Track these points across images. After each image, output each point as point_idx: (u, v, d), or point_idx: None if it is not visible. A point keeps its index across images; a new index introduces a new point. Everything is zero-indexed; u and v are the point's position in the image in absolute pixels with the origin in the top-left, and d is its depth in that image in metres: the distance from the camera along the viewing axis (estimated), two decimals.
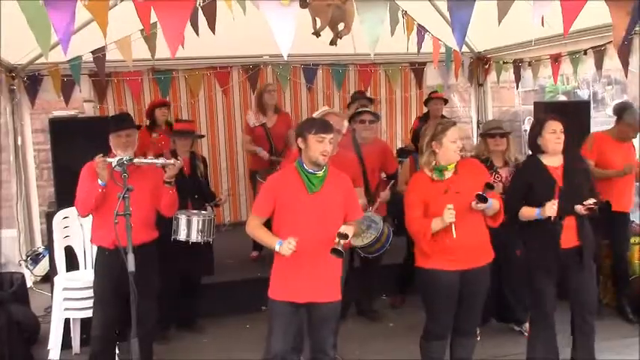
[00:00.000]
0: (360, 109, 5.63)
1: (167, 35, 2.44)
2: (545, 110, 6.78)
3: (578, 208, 3.98)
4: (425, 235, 3.79)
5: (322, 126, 3.67)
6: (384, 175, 5.63)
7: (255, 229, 3.72)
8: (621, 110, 5.53)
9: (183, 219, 4.93)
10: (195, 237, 4.97)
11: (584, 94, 13.64)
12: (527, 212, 4.09)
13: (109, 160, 3.92)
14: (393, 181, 5.37)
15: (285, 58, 2.62)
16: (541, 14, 2.84)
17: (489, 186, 3.77)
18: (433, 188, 3.88)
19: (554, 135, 4.09)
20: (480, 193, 3.73)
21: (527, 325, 4.99)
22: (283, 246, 3.50)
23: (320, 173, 3.65)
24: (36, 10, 2.61)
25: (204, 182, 5.69)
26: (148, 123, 6.89)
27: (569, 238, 4.06)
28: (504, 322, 5.35)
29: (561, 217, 4.01)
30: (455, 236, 3.75)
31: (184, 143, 5.42)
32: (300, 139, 3.64)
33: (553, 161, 4.15)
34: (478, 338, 5.05)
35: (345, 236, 3.48)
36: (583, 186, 4.12)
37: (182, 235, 4.94)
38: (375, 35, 2.64)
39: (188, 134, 5.52)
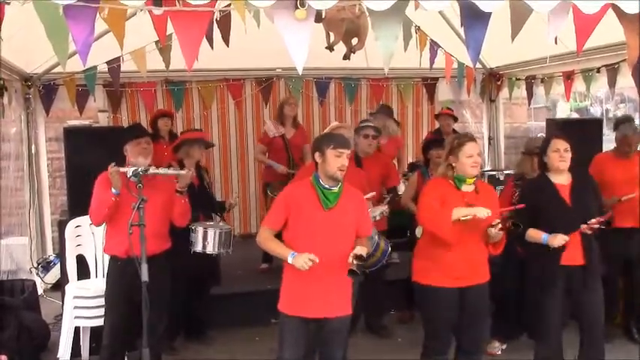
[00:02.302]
0: (362, 124, 5.65)
1: (184, 48, 2.47)
2: (557, 127, 6.78)
3: (584, 227, 3.97)
4: (445, 222, 3.75)
5: (341, 141, 3.70)
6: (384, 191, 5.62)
7: (267, 241, 3.71)
8: (617, 123, 5.47)
9: (200, 231, 4.91)
10: (211, 249, 4.96)
11: (596, 111, 13.63)
12: (535, 235, 4.06)
13: (123, 169, 3.95)
14: (392, 195, 5.35)
15: (300, 73, 2.64)
16: (556, 32, 2.84)
17: (516, 226, 3.87)
18: (455, 194, 3.89)
19: (557, 154, 4.08)
20: (516, 222, 3.81)
21: None
22: (298, 259, 3.47)
23: (336, 189, 3.65)
24: (54, 20, 2.64)
25: (211, 192, 5.70)
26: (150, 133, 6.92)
27: (573, 255, 4.03)
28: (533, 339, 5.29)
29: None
30: (462, 219, 3.73)
31: (197, 152, 5.39)
32: (317, 154, 3.65)
33: (561, 179, 4.14)
34: (499, 352, 5.08)
35: (360, 257, 3.48)
36: (591, 204, 4.11)
37: (199, 247, 4.92)
38: (390, 51, 2.66)
39: (202, 142, 5.52)
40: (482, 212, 3.70)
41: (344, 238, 3.63)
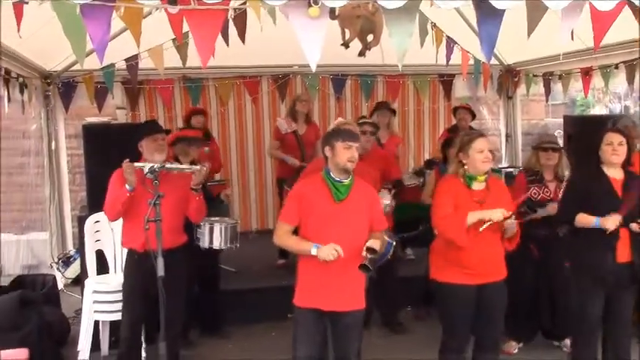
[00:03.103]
0: (360, 121, 5.66)
1: (199, 46, 2.50)
2: (574, 124, 6.74)
3: (634, 226, 3.91)
4: (460, 228, 3.76)
5: (350, 134, 3.75)
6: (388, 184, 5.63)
7: (284, 237, 3.75)
8: (614, 121, 5.43)
9: (206, 227, 4.94)
10: (218, 244, 4.99)
11: (615, 108, 13.49)
12: (585, 219, 3.98)
13: (138, 165, 3.99)
14: (394, 191, 5.32)
15: (314, 70, 2.66)
16: (570, 29, 2.84)
17: (531, 208, 3.78)
18: (467, 194, 3.88)
19: (610, 147, 4.02)
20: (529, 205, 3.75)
21: (567, 341, 4.98)
22: (324, 249, 3.49)
23: (346, 181, 3.68)
24: (72, 19, 2.68)
25: (209, 190, 5.71)
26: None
27: (622, 252, 3.97)
28: (549, 339, 5.27)
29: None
30: (481, 230, 3.73)
31: (194, 151, 5.34)
32: (327, 148, 3.68)
33: (614, 173, 4.07)
34: (515, 351, 5.08)
35: (373, 251, 3.50)
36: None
37: (206, 243, 4.96)
38: (404, 48, 2.66)
39: (199, 141, 5.56)
40: (497, 215, 3.71)
41: (357, 231, 3.65)
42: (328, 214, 3.64)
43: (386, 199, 4.86)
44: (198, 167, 4.20)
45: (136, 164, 4.01)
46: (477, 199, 3.85)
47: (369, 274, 3.58)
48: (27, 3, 2.32)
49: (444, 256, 3.96)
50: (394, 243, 4.71)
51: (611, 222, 3.86)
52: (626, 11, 3.04)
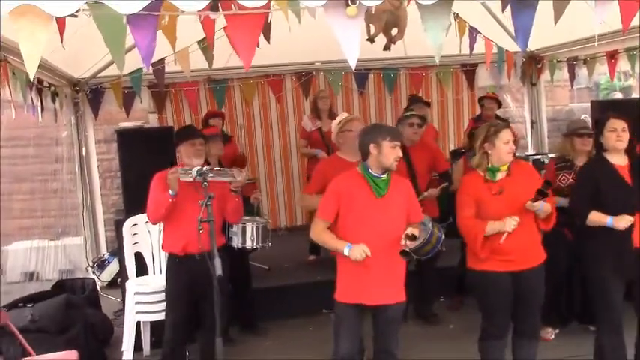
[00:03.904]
0: (407, 113, 5.69)
1: (240, 50, 2.56)
2: (602, 109, 6.69)
3: None
4: (477, 237, 3.82)
5: (396, 134, 3.82)
6: (435, 174, 5.67)
7: (322, 234, 3.81)
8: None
9: (238, 227, 4.98)
10: (250, 243, 5.05)
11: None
12: (597, 218, 3.96)
13: (183, 178, 4.03)
14: (446, 184, 5.39)
15: (353, 68, 2.71)
16: (603, 16, 2.85)
17: (542, 193, 3.78)
18: (486, 189, 3.90)
19: (614, 133, 4.01)
20: (541, 189, 3.76)
21: None
22: (354, 250, 3.59)
23: (384, 177, 3.74)
24: (113, 29, 2.75)
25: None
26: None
27: (636, 237, 3.98)
28: (584, 324, 5.25)
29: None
30: (502, 242, 3.77)
31: (219, 147, 5.48)
32: (372, 146, 3.71)
33: (619, 160, 4.07)
34: (552, 337, 5.09)
35: (412, 237, 3.56)
36: None
37: (238, 243, 5.00)
38: (440, 42, 2.71)
39: (220, 136, 5.64)
40: (509, 225, 3.72)
41: (396, 225, 3.71)
42: (369, 209, 3.70)
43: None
44: (239, 177, 4.24)
45: (181, 177, 4.03)
46: (495, 192, 3.86)
47: (409, 259, 3.63)
48: (76, 16, 2.39)
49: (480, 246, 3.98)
50: (443, 236, 4.75)
51: (624, 222, 3.86)
52: None
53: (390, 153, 3.69)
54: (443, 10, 2.62)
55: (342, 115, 5.03)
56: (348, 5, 2.52)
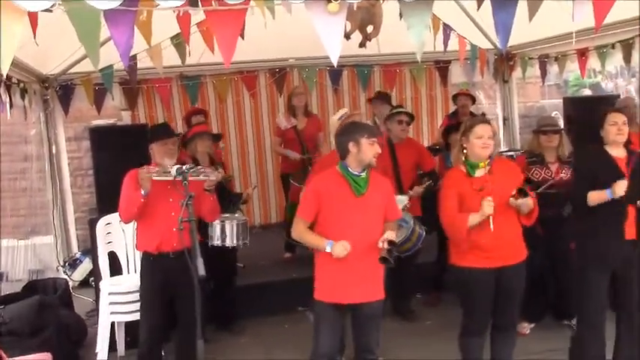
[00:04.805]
0: (396, 110, 5.69)
1: (221, 46, 2.52)
2: (574, 105, 6.81)
3: None
4: (461, 229, 3.83)
5: (373, 130, 3.82)
6: (420, 172, 5.68)
7: (303, 233, 3.80)
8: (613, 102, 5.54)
9: (217, 225, 4.95)
10: (230, 242, 5.02)
11: (607, 87, 13.59)
12: (597, 195, 3.99)
13: (156, 177, 3.98)
14: (430, 182, 5.40)
15: (335, 65, 2.69)
16: (582, 13, 2.87)
17: (522, 192, 3.80)
18: (468, 184, 3.93)
19: (615, 127, 4.07)
20: (521, 187, 3.79)
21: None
22: (336, 247, 3.58)
23: (364, 175, 3.73)
24: (87, 24, 2.68)
25: (226, 186, 5.75)
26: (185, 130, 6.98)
27: (629, 230, 4.02)
28: (559, 319, 5.36)
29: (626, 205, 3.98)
30: (492, 229, 3.78)
31: (206, 144, 5.46)
32: (351, 143, 3.70)
33: (618, 152, 4.12)
34: (527, 331, 5.16)
35: (392, 243, 3.56)
36: None
37: (218, 241, 4.98)
38: (422, 39, 2.70)
39: (208, 134, 5.60)
40: (486, 208, 3.73)
41: (375, 224, 3.71)
42: (349, 208, 3.69)
43: (403, 201, 4.91)
44: (213, 177, 4.19)
45: (154, 176, 3.98)
46: (476, 188, 3.89)
47: (389, 265, 3.63)
48: (51, 11, 2.32)
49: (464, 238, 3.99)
50: (424, 234, 4.76)
51: (619, 187, 3.90)
52: None
53: (368, 150, 3.69)
54: (424, 8, 2.61)
55: (342, 111, 5.00)
56: (329, 2, 2.50)
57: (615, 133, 4.09)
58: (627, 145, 4.17)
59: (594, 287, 4.10)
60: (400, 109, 5.67)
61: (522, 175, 4.21)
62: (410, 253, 4.94)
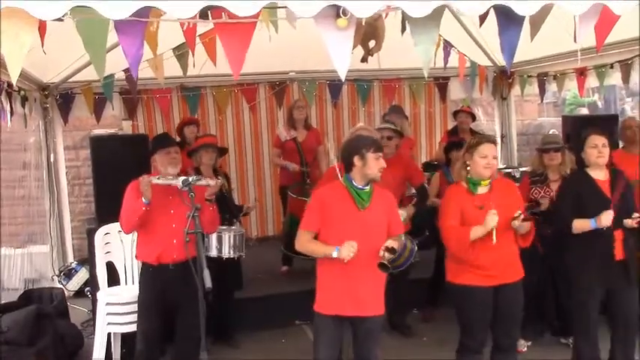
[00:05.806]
0: (381, 126, 5.69)
1: (230, 59, 2.53)
2: (573, 124, 6.83)
3: (629, 222, 4.00)
4: (463, 242, 3.83)
5: (379, 145, 3.82)
6: (413, 190, 5.67)
7: (307, 244, 3.78)
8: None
9: (214, 236, 4.94)
10: (227, 253, 5.01)
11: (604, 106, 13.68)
12: (582, 224, 4.05)
13: (158, 182, 3.99)
14: (415, 199, 5.39)
15: (343, 80, 2.71)
16: (586, 33, 2.90)
17: (533, 214, 3.85)
18: (469, 200, 3.94)
19: (595, 149, 4.11)
20: (533, 210, 3.82)
21: None
22: (342, 250, 3.52)
23: (367, 189, 3.74)
24: (94, 34, 2.69)
25: (229, 198, 5.76)
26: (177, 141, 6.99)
27: (618, 251, 4.08)
28: (556, 336, 5.37)
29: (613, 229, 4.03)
30: (495, 242, 3.78)
31: (210, 157, 5.46)
32: (356, 157, 3.70)
33: (599, 175, 4.17)
34: (525, 349, 5.15)
35: (392, 250, 3.55)
36: (629, 200, 4.14)
37: (214, 252, 4.96)
38: (430, 55, 2.73)
39: (214, 147, 5.59)
40: (490, 220, 3.74)
41: (377, 238, 3.69)
42: (351, 221, 3.68)
43: (402, 215, 4.90)
44: (213, 183, 4.19)
45: (153, 180, 3.99)
46: (477, 205, 3.91)
47: (388, 272, 3.62)
48: (62, 20, 2.33)
49: (459, 259, 3.99)
50: (416, 248, 4.75)
51: (605, 218, 3.94)
52: None
53: (374, 164, 3.69)
54: (433, 24, 2.63)
55: (358, 126, 5.02)
56: (339, 17, 2.51)
57: (596, 156, 4.12)
58: (610, 166, 4.20)
59: (589, 306, 4.15)
60: (384, 125, 5.67)
61: (522, 200, 4.21)
62: (402, 269, 4.92)
